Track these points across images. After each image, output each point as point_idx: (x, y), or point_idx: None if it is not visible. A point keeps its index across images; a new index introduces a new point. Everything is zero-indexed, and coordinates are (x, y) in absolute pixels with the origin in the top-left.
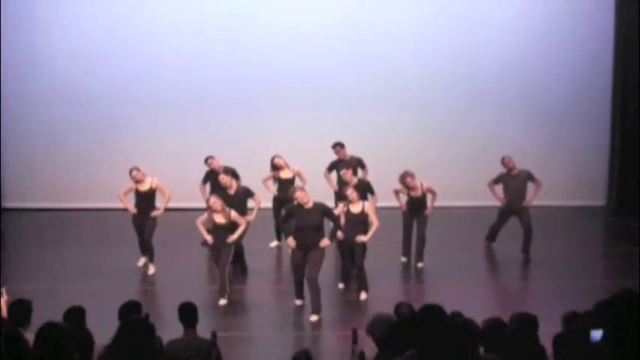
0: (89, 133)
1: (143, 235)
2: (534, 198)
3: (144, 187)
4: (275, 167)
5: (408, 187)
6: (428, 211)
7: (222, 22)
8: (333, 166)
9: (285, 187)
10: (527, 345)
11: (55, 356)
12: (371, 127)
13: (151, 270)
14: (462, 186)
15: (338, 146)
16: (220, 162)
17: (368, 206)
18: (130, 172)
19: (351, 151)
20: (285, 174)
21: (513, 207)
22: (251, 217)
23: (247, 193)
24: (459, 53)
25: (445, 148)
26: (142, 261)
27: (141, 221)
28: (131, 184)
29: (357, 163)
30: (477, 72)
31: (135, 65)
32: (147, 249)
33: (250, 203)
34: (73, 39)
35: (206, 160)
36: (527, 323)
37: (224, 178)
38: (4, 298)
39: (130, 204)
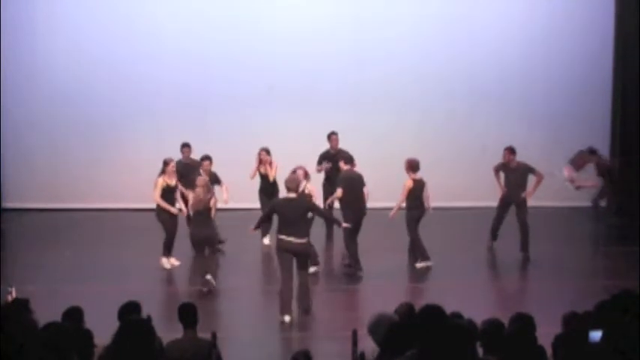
0: (89, 134)
1: (174, 233)
2: (535, 190)
3: (173, 181)
4: (260, 161)
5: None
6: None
7: (222, 24)
8: (323, 158)
9: (267, 181)
10: (526, 346)
11: (55, 356)
12: (372, 129)
13: (169, 264)
14: (462, 187)
15: (334, 135)
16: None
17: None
18: (167, 164)
19: (351, 152)
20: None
21: (513, 198)
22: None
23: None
24: (460, 55)
25: (446, 150)
26: (171, 261)
27: (175, 220)
28: (162, 181)
29: (345, 156)
30: (478, 73)
31: (135, 66)
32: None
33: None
34: (73, 39)
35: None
36: (525, 324)
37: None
38: (13, 297)
39: (170, 205)
